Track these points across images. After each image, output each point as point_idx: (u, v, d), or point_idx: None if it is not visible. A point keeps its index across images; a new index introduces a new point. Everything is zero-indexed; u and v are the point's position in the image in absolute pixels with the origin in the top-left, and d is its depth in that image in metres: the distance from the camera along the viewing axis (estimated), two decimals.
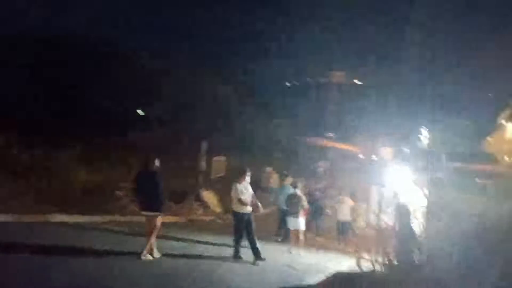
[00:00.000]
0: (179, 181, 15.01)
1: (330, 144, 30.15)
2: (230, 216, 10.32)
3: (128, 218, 11.74)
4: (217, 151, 19.33)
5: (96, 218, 11.46)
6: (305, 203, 11.02)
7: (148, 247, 8.08)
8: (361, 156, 29.10)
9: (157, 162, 8.25)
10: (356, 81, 44.91)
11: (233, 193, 9.11)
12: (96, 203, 12.21)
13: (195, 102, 26.08)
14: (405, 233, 7.25)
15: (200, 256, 9.07)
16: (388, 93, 41.25)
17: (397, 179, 10.39)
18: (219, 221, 14.51)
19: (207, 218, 14.76)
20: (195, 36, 40.69)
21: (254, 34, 43.84)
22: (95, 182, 13.49)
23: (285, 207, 11.51)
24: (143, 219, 8.46)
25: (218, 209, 15.64)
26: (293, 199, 11.05)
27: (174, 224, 12.51)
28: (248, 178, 9.26)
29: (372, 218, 10.83)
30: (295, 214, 10.91)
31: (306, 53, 44.53)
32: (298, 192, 11.17)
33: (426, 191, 8.46)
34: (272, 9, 45.53)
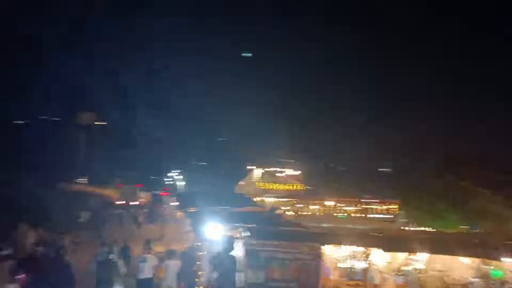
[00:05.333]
0: None
1: (88, 190, 28.22)
2: None
3: None
4: None
5: None
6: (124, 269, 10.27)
7: None
8: (119, 202, 28.25)
9: None
10: (104, 122, 43.54)
11: None
12: None
13: None
14: None
15: None
16: (138, 136, 41.44)
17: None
18: None
19: None
20: None
21: None
22: None
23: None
24: None
25: None
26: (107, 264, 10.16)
27: None
28: None
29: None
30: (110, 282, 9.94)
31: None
32: (114, 256, 10.33)
33: None
34: None
